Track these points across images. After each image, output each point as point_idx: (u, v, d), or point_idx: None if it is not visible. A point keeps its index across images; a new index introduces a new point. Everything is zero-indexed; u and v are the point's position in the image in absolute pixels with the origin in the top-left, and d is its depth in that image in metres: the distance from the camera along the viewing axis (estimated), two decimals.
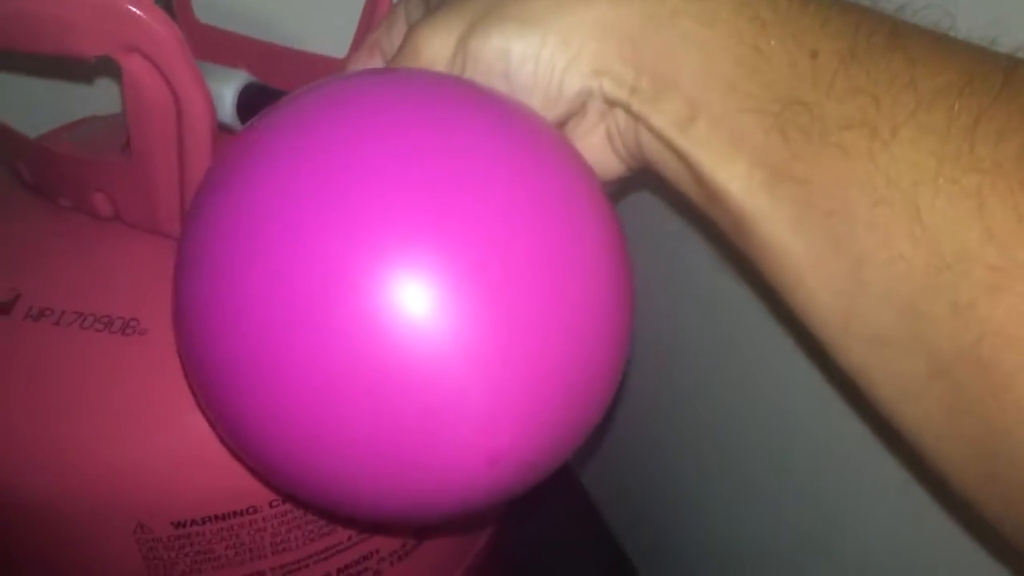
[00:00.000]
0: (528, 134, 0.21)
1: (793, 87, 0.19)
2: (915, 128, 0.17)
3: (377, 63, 0.28)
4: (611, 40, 0.21)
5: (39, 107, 0.35)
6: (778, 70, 0.19)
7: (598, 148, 0.23)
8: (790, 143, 0.19)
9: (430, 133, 0.19)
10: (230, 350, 0.19)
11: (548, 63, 0.21)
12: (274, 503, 0.26)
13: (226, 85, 0.28)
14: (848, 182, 0.18)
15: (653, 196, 0.39)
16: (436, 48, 0.22)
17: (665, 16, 0.20)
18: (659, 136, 0.21)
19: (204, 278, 0.19)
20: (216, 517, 0.26)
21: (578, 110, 0.23)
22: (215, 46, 0.36)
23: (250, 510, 0.26)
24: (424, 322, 0.17)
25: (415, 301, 0.17)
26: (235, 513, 0.26)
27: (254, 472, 0.24)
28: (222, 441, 0.23)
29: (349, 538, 0.29)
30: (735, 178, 0.20)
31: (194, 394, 0.22)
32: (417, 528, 0.31)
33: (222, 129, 0.27)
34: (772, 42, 0.19)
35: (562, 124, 0.23)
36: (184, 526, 0.26)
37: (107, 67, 0.40)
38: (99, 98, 0.39)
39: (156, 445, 0.25)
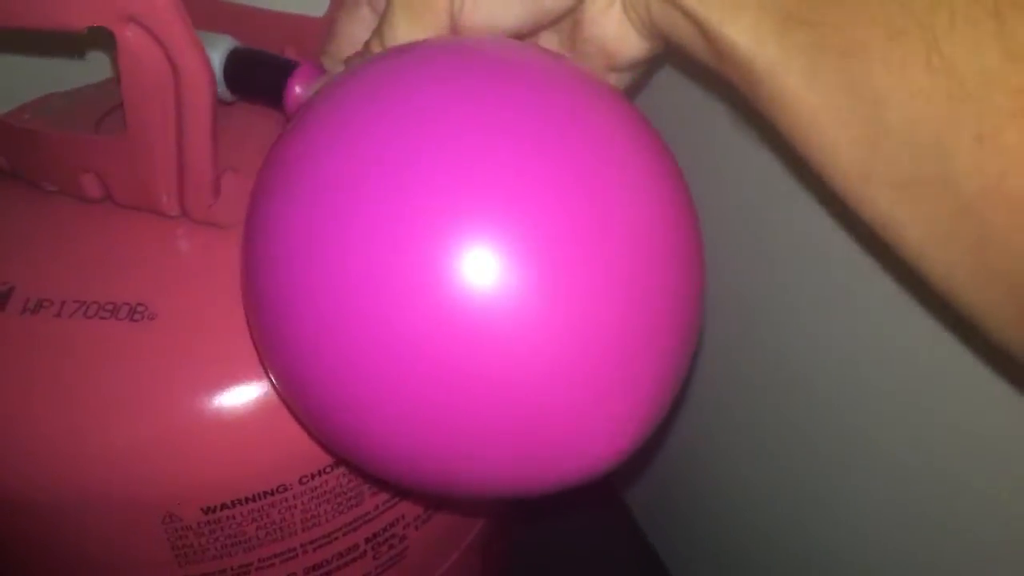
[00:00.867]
0: (616, 112, 0.21)
1: None
2: None
3: (364, 14, 0.27)
4: None
5: None
6: None
7: (617, 24, 0.24)
8: None
9: (510, 104, 0.19)
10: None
11: None
12: (304, 479, 0.26)
13: (214, 51, 0.27)
14: (861, 17, 0.17)
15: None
16: None
17: None
18: None
19: (292, 246, 0.19)
20: (247, 499, 0.25)
21: None
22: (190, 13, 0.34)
23: (280, 488, 0.26)
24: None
25: (500, 283, 0.18)
26: (266, 493, 0.26)
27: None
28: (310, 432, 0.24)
29: (376, 507, 0.29)
30: (743, 31, 0.19)
31: (274, 376, 0.22)
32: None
33: None
34: None
35: (578, 5, 0.23)
36: (214, 511, 0.25)
37: (61, 42, 0.37)
38: (52, 72, 0.37)
39: (182, 431, 0.24)
